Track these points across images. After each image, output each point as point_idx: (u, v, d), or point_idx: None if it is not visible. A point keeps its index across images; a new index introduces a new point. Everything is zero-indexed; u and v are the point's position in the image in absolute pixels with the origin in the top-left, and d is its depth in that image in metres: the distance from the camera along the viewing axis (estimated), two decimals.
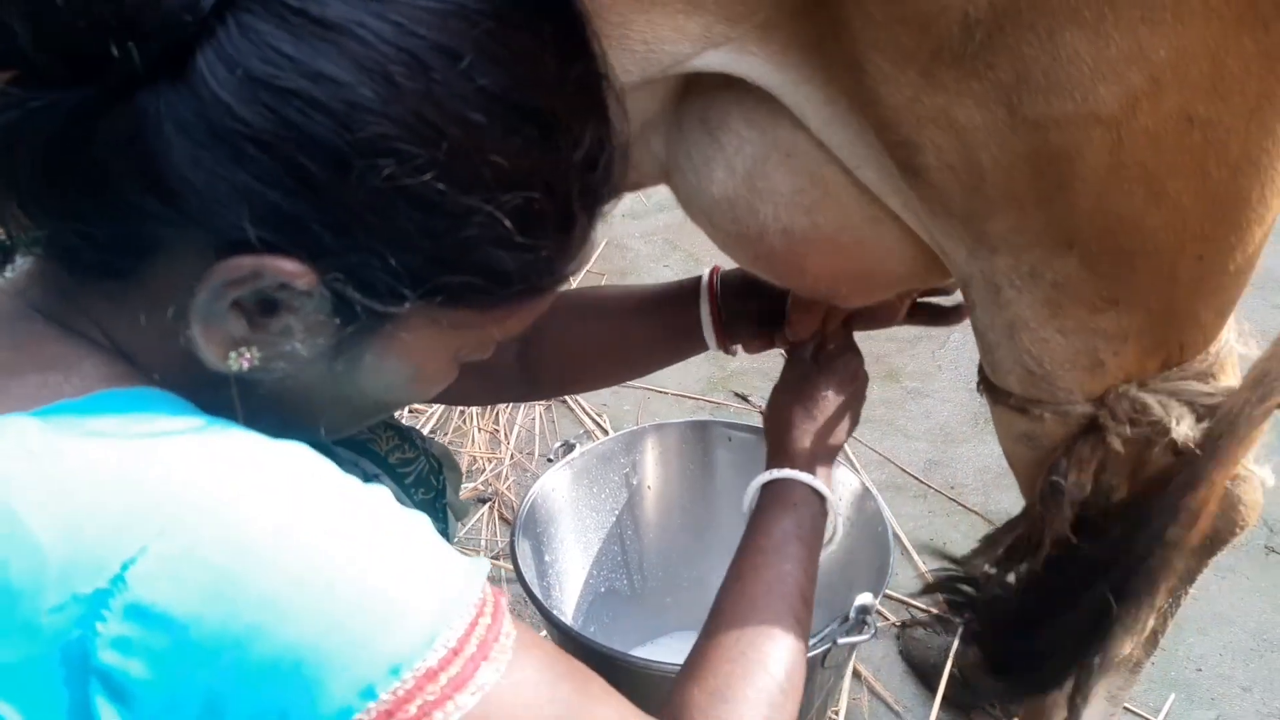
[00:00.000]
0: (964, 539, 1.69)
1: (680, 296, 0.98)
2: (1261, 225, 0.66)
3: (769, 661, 0.70)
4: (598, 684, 0.57)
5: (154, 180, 0.46)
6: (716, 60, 0.69)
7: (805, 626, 0.76)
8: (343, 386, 0.55)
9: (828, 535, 0.86)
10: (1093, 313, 0.70)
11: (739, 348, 1.00)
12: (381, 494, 0.51)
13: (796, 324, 0.95)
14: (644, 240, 2.72)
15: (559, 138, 0.52)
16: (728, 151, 0.74)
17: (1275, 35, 0.56)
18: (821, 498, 0.85)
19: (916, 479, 1.86)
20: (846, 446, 1.89)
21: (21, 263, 0.57)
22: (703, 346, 0.99)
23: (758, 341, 1.00)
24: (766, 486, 0.86)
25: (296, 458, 0.50)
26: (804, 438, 0.88)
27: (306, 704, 0.46)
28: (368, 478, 0.74)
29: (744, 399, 2.09)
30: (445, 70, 0.47)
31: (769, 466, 0.88)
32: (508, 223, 0.50)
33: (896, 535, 1.71)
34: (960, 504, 1.79)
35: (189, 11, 0.44)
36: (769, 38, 0.68)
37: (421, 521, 0.52)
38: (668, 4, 0.66)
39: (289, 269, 0.48)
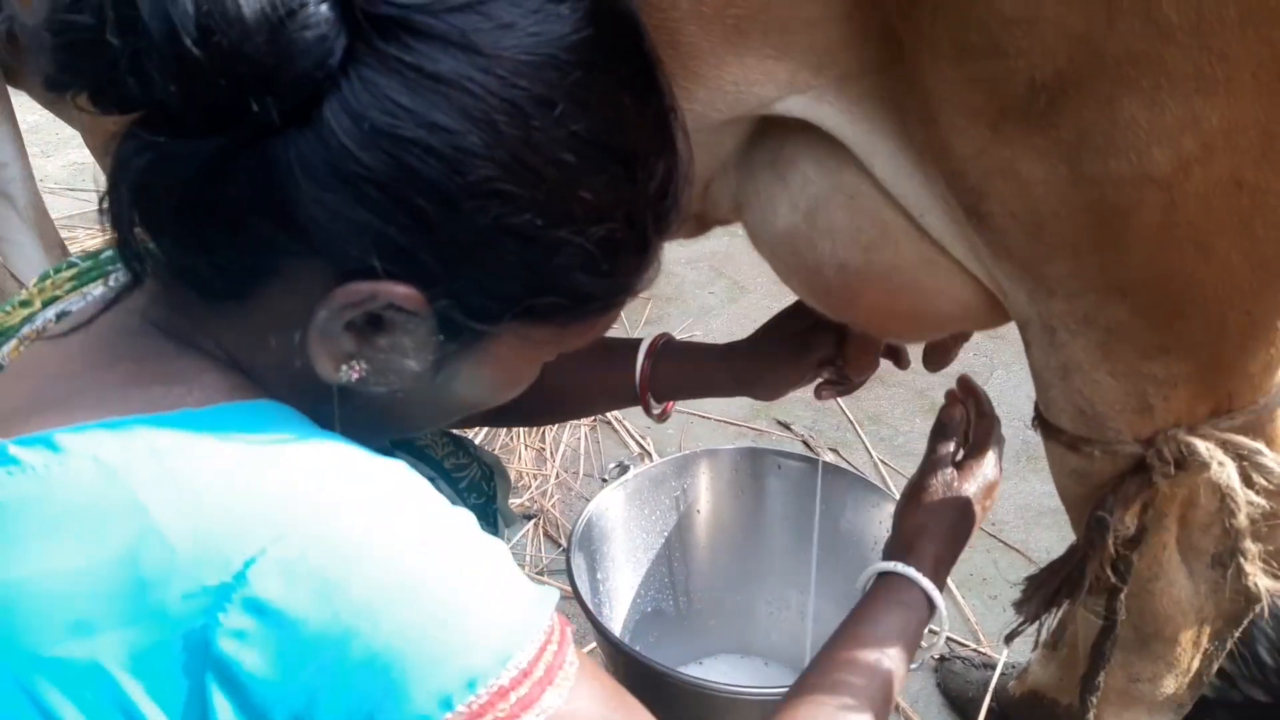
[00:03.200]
0: (1002, 575, 1.71)
1: (621, 356, 1.03)
2: None
3: None
4: (647, 717, 0.60)
5: (284, 217, 0.51)
6: (797, 106, 0.74)
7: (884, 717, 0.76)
8: (437, 393, 0.60)
9: (927, 644, 0.86)
10: (1143, 358, 0.74)
11: (661, 408, 1.06)
12: (467, 517, 0.56)
13: (855, 362, 0.99)
14: (690, 266, 2.78)
15: (638, 172, 0.57)
16: (792, 189, 0.79)
17: None
18: (932, 605, 0.85)
19: None
20: (889, 480, 1.93)
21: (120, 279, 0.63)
22: (634, 402, 1.04)
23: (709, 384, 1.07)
24: (884, 575, 0.86)
25: (398, 476, 0.55)
26: (932, 542, 0.88)
27: (391, 706, 0.50)
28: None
29: (786, 427, 2.13)
30: (542, 118, 0.52)
31: (891, 557, 0.88)
32: (595, 251, 0.56)
33: None
34: (1001, 540, 1.81)
35: (319, 69, 0.49)
36: (846, 88, 0.73)
37: (500, 547, 0.56)
38: (760, 50, 0.71)
39: (401, 293, 0.53)
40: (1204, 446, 0.76)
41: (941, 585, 0.86)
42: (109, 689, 0.48)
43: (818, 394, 1.08)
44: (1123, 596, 0.86)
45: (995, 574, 1.74)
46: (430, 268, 0.53)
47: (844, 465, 1.96)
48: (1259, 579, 0.78)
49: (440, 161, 0.50)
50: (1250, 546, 0.77)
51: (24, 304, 0.67)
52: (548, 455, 2.06)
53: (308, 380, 0.56)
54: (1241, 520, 0.76)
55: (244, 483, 0.51)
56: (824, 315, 0.92)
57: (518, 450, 2.08)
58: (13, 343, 0.65)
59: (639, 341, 1.04)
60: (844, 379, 1.04)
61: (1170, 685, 0.95)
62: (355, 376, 0.55)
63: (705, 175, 0.85)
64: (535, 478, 2.01)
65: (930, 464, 0.93)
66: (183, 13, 0.45)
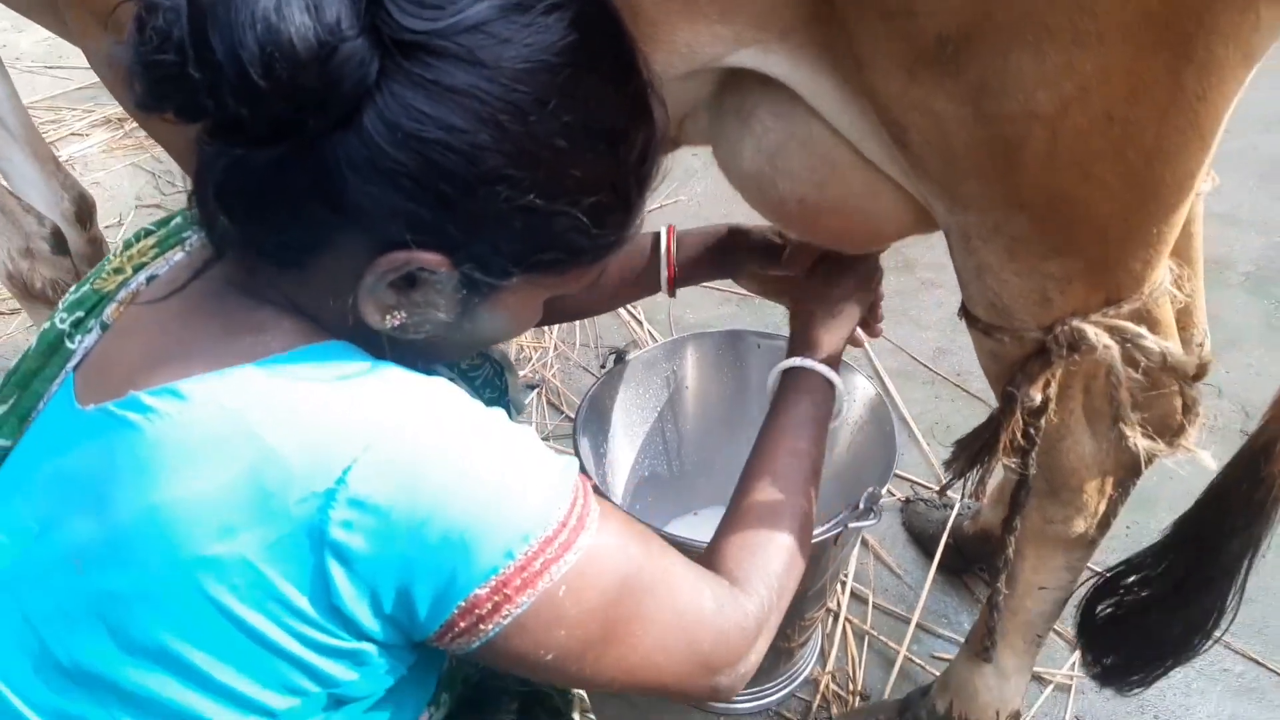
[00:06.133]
0: (966, 422, 1.88)
1: (641, 250, 1.20)
2: (1179, 199, 0.83)
3: (788, 520, 0.91)
4: (658, 541, 0.78)
5: (335, 203, 0.63)
6: (746, 58, 0.86)
7: (815, 490, 0.96)
8: (464, 333, 0.74)
9: (835, 413, 1.05)
10: (1041, 260, 0.88)
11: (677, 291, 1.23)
12: (499, 414, 0.71)
13: (793, 259, 1.15)
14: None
15: (620, 148, 0.69)
16: (755, 135, 0.92)
17: (1179, 56, 0.72)
18: (833, 385, 1.04)
19: (926, 366, 2.05)
20: (861, 335, 2.10)
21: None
22: (656, 290, 1.22)
23: (707, 279, 1.25)
24: (787, 372, 1.05)
25: (445, 391, 0.69)
26: (823, 333, 1.07)
27: (467, 565, 0.64)
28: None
29: None
30: (539, 114, 0.63)
31: (791, 354, 1.06)
32: (585, 218, 0.68)
33: (905, 420, 1.92)
34: (965, 390, 1.97)
35: (358, 88, 0.60)
36: (788, 40, 0.85)
37: (529, 432, 0.72)
38: (707, 15, 0.82)
39: (431, 259, 0.65)
40: (1093, 331, 0.90)
41: (836, 365, 1.06)
42: (253, 575, 0.62)
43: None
44: (1033, 455, 1.02)
45: (959, 421, 1.91)
46: (453, 238, 0.65)
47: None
48: (1138, 440, 0.94)
49: (458, 156, 0.62)
50: (1131, 414, 0.93)
51: (116, 271, 0.80)
52: (545, 329, 2.22)
53: (361, 326, 0.69)
54: (1123, 393, 0.92)
55: (333, 407, 0.64)
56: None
57: None
58: (113, 305, 0.78)
59: (650, 237, 1.20)
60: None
61: (1080, 525, 1.13)
62: (397, 323, 0.69)
63: (676, 116, 0.97)
64: (535, 350, 2.17)
65: (812, 271, 1.13)
66: (250, 53, 0.56)
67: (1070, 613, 1.57)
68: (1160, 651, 1.11)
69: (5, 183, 1.80)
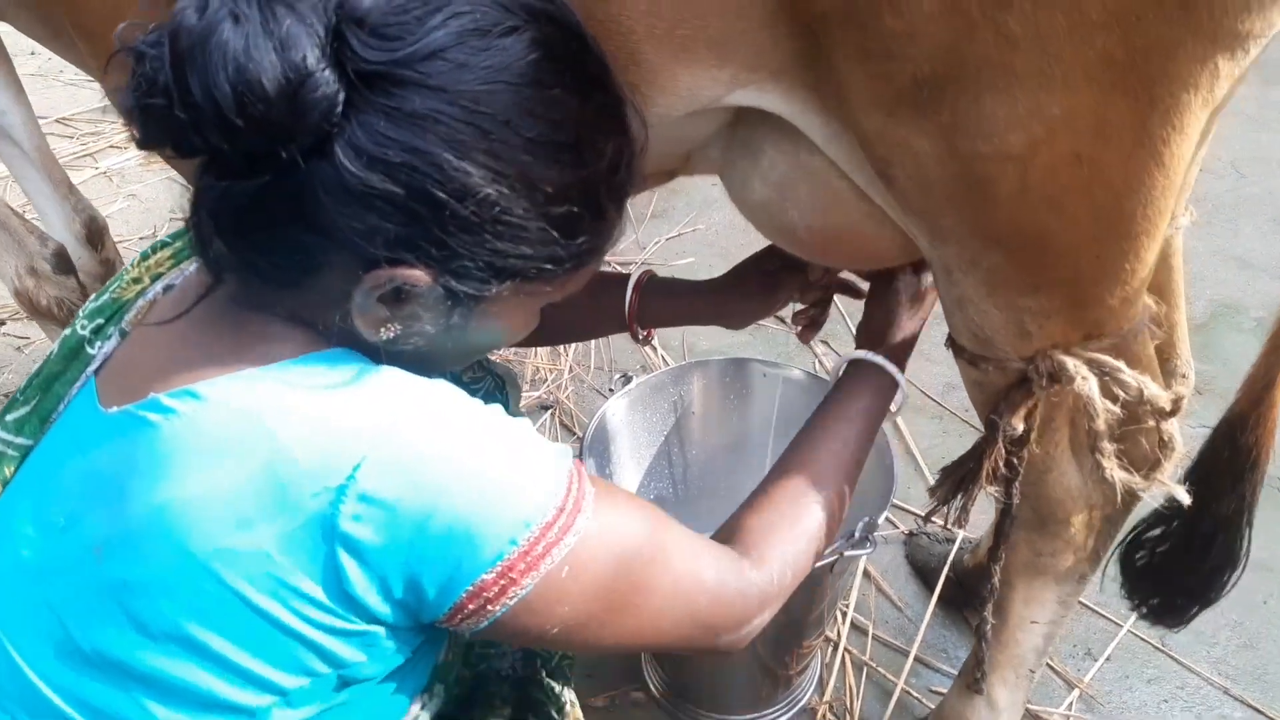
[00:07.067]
0: None
1: (616, 286, 1.24)
2: (1150, 235, 0.86)
3: (816, 508, 0.93)
4: (658, 513, 0.81)
5: (316, 226, 0.67)
6: (745, 97, 0.91)
7: (853, 483, 0.99)
8: (458, 342, 0.78)
9: (895, 405, 1.08)
10: (1019, 294, 0.91)
11: (645, 334, 1.27)
12: (498, 409, 0.75)
13: (814, 271, 1.20)
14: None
15: (587, 156, 0.72)
16: (763, 169, 0.97)
17: (1143, 100, 0.76)
18: (896, 382, 1.06)
19: (934, 400, 2.06)
20: None
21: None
22: (624, 329, 1.25)
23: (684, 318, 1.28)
24: (855, 362, 1.07)
25: (447, 392, 0.73)
26: (894, 331, 1.09)
27: (472, 552, 0.69)
28: None
29: (781, 320, 2.30)
30: (499, 132, 0.67)
31: (861, 346, 1.09)
32: (560, 226, 0.71)
33: (911, 453, 1.94)
34: (973, 425, 1.98)
35: (327, 120, 0.64)
36: (780, 80, 0.90)
37: (526, 423, 0.76)
38: (704, 60, 0.88)
39: (413, 275, 0.69)
40: (1071, 363, 0.93)
41: (903, 367, 1.08)
42: (269, 565, 0.67)
43: (802, 338, 1.30)
44: (1016, 484, 1.05)
45: None
46: (431, 253, 0.69)
47: (833, 355, 2.16)
48: (1115, 473, 0.97)
49: (424, 176, 0.66)
50: (1107, 446, 0.95)
51: (135, 280, 0.86)
52: (561, 351, 2.27)
53: (360, 338, 0.74)
54: (1100, 425, 0.94)
55: (342, 407, 0.69)
56: (795, 258, 1.12)
57: (534, 348, 2.28)
58: (132, 313, 0.85)
59: (627, 277, 1.24)
60: (813, 316, 1.27)
61: (1069, 559, 1.15)
62: (391, 335, 0.73)
63: (682, 152, 1.03)
64: (550, 372, 2.22)
65: (896, 279, 1.15)
66: (224, 94, 0.61)
67: (1066, 649, 1.58)
68: (1193, 591, 1.22)
69: (23, 199, 1.85)
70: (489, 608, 0.71)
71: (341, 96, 0.64)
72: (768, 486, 0.96)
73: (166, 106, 0.63)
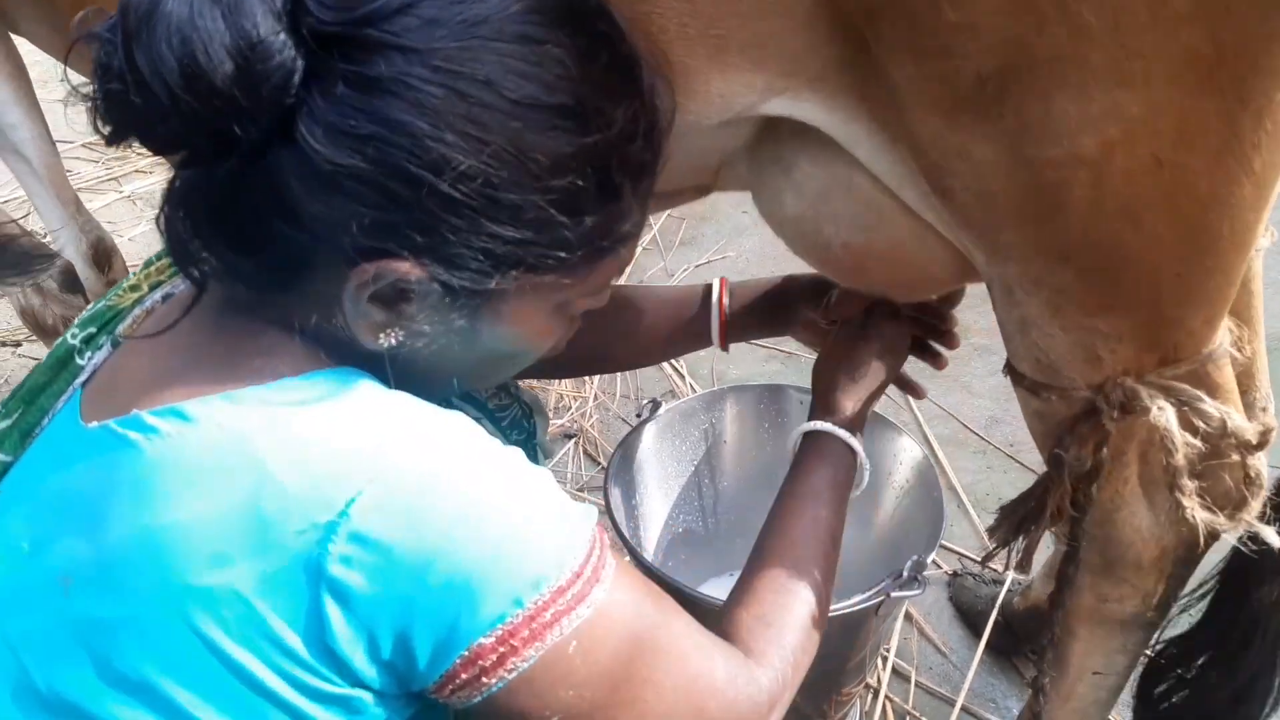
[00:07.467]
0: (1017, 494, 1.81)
1: (692, 301, 1.17)
2: (1238, 251, 0.78)
3: (804, 593, 0.86)
4: (671, 603, 0.74)
5: (288, 214, 0.60)
6: (780, 106, 0.84)
7: (833, 562, 0.91)
8: (471, 350, 0.70)
9: (857, 482, 0.99)
10: (1088, 316, 0.83)
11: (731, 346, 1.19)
12: (517, 454, 0.67)
13: (841, 306, 1.09)
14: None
15: (591, 123, 0.62)
16: (796, 182, 0.90)
17: (1231, 100, 0.68)
18: (854, 451, 0.98)
19: (978, 435, 1.97)
20: (912, 402, 2.04)
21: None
22: (708, 343, 1.18)
23: (762, 335, 1.20)
24: (808, 436, 0.99)
25: (460, 426, 0.65)
26: (845, 397, 1.01)
27: (472, 611, 0.61)
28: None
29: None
30: (480, 94, 0.59)
31: (811, 418, 1.01)
32: (561, 203, 0.62)
33: (954, 489, 1.84)
34: (1018, 461, 1.89)
35: (285, 92, 0.57)
36: (820, 87, 0.83)
37: (547, 475, 0.68)
38: (739, 66, 0.81)
39: (399, 267, 0.61)
40: (1146, 392, 0.85)
41: (858, 430, 0.99)
42: (244, 609, 0.59)
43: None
44: (1083, 525, 0.96)
45: (1011, 494, 1.81)
46: (415, 240, 0.61)
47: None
48: (1196, 513, 0.87)
49: (397, 149, 0.58)
50: (1187, 483, 0.86)
51: (133, 288, 0.81)
52: (586, 379, 2.20)
53: (361, 348, 0.67)
54: (1179, 459, 0.85)
55: (340, 436, 0.61)
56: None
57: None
58: (127, 322, 0.79)
59: (699, 288, 1.17)
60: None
61: (1136, 605, 1.05)
62: (393, 342, 0.66)
63: (713, 164, 0.97)
64: (575, 399, 2.16)
65: (838, 330, 1.08)
66: (170, 69, 0.55)
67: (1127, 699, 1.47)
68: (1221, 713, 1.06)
69: (33, 217, 1.83)
70: (484, 679, 0.63)
71: (300, 65, 0.57)
72: (749, 579, 0.88)
73: (123, 92, 0.56)
